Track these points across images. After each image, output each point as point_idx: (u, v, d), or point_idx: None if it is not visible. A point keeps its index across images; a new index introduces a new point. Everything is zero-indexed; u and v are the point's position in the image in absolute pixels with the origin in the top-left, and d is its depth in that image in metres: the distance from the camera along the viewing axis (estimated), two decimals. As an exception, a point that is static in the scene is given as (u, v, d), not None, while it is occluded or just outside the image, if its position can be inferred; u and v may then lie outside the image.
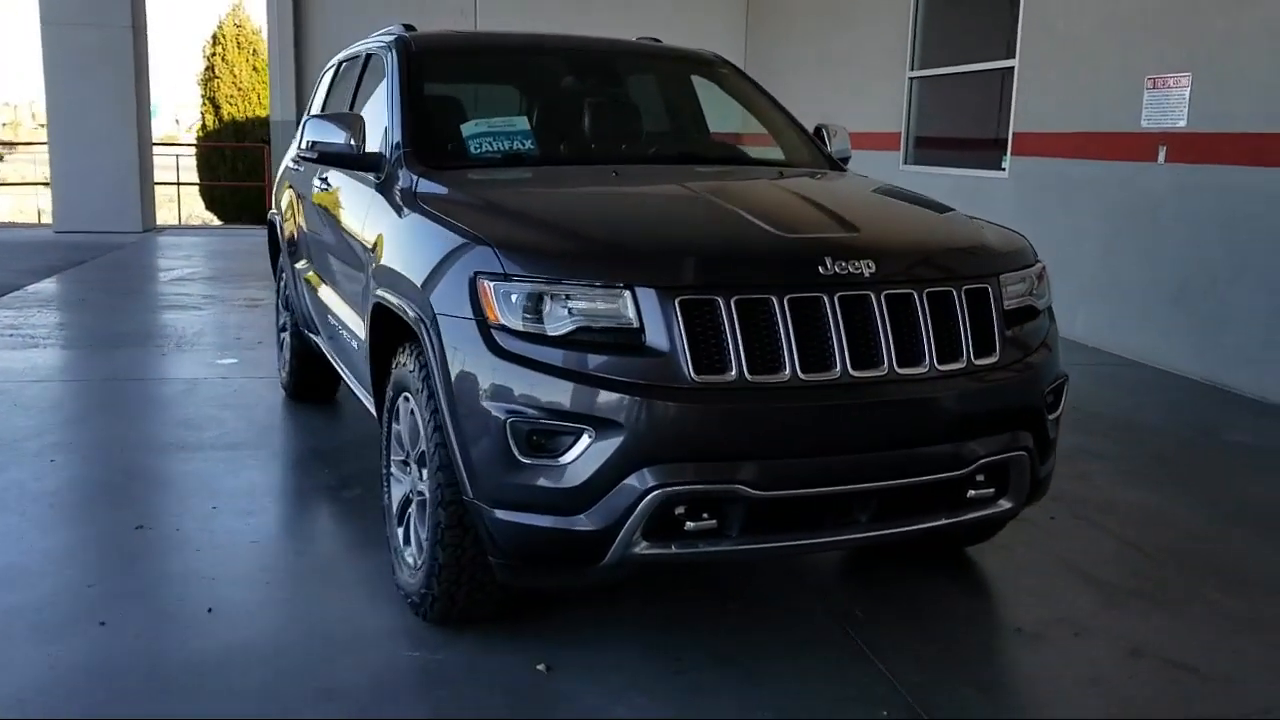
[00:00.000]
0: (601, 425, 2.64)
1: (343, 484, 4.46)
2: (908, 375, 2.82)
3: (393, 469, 3.44)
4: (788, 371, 2.71)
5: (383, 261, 3.42)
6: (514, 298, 2.74)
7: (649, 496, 2.64)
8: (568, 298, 2.72)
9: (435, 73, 4.13)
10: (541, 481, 2.71)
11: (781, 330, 2.72)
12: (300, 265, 5.18)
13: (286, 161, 5.62)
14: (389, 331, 3.42)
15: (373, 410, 3.90)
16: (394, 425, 3.40)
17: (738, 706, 2.80)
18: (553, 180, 3.71)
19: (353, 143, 3.82)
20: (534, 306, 2.73)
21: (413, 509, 3.25)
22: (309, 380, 5.61)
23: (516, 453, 2.71)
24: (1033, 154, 8.64)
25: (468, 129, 3.90)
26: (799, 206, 3.37)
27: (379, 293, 3.38)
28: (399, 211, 3.48)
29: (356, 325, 3.87)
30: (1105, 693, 2.92)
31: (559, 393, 2.67)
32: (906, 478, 2.84)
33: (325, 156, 3.86)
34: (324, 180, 4.50)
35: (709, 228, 3.11)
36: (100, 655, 3.00)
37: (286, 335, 5.79)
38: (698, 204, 3.39)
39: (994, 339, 3.00)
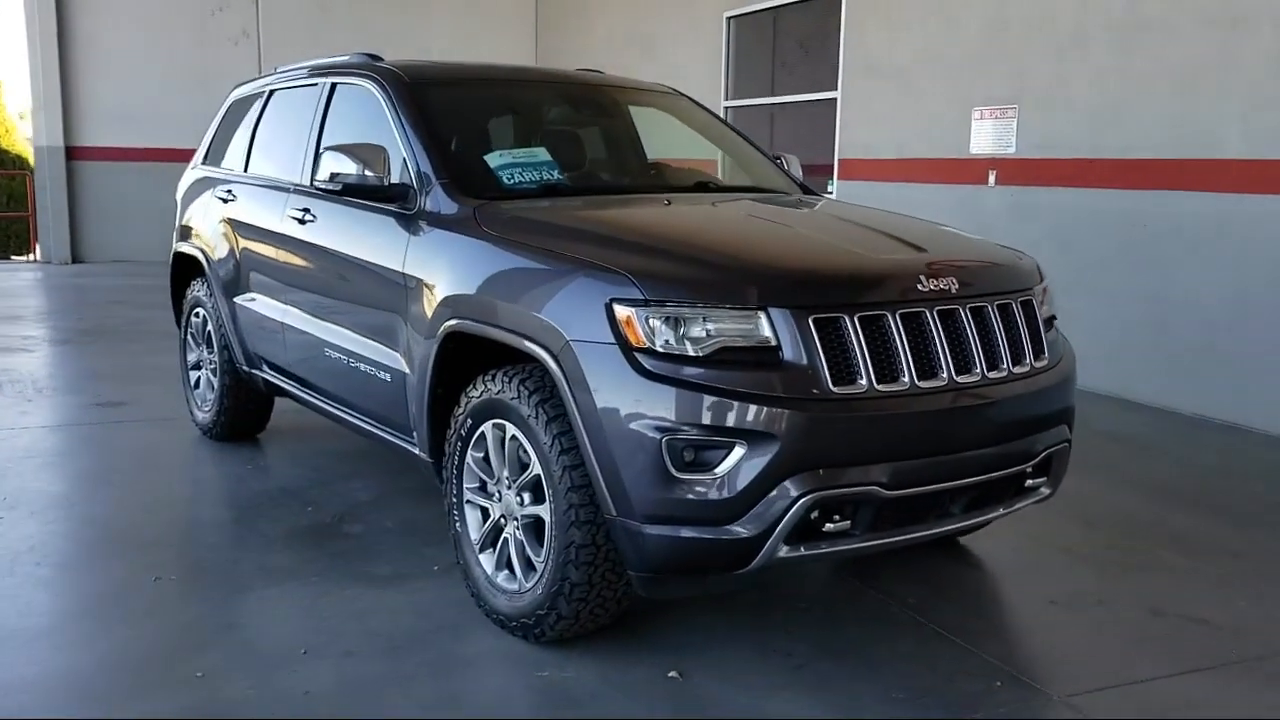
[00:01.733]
0: (754, 438, 2.83)
1: (339, 519, 4.38)
2: (994, 379, 3.17)
3: (468, 497, 3.47)
4: (907, 380, 2.99)
5: (454, 292, 3.44)
6: (656, 322, 2.89)
7: (800, 502, 2.85)
8: (705, 320, 2.90)
9: (438, 104, 4.15)
10: (696, 495, 2.86)
11: (897, 342, 3.00)
12: (244, 299, 5.01)
13: (213, 192, 5.39)
14: (461, 360, 3.48)
15: (405, 442, 3.88)
16: (470, 453, 3.43)
17: (871, 691, 3.04)
18: (619, 208, 3.83)
19: (369, 174, 3.81)
20: (675, 329, 2.89)
21: (513, 533, 3.30)
22: (242, 419, 5.42)
23: (672, 469, 2.84)
24: (860, 178, 9.35)
25: (493, 160, 3.96)
26: (863, 231, 3.67)
27: (453, 323, 3.41)
28: (462, 242, 3.51)
29: (388, 357, 3.85)
30: (1162, 649, 3.36)
31: (712, 409, 2.83)
32: (996, 471, 3.19)
33: (350, 189, 3.83)
34: (305, 211, 4.40)
35: (817, 251, 3.36)
36: (220, 704, 2.90)
37: (206, 374, 5.55)
38: (784, 229, 3.63)
39: (1043, 344, 3.41)
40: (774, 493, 2.85)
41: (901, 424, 2.99)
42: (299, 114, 4.83)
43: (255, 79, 5.66)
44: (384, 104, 4.12)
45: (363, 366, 4.01)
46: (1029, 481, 3.38)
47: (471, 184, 3.80)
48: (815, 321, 2.92)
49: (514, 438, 3.24)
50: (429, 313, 3.56)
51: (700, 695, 3.02)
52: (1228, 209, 6.30)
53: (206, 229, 5.35)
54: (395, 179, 3.86)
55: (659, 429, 2.84)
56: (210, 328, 5.41)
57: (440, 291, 3.52)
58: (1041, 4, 7.43)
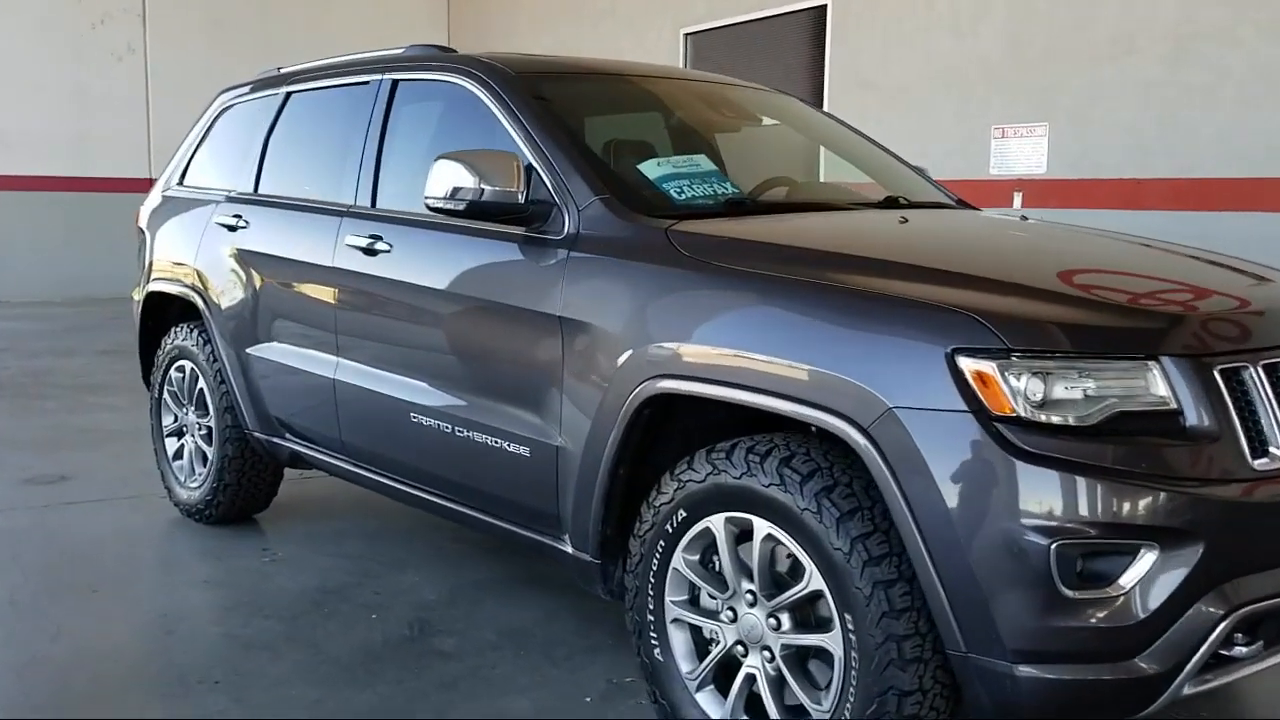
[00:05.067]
0: (1169, 537, 2.06)
1: (419, 630, 3.41)
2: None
3: (674, 614, 2.59)
4: (1323, 448, 2.26)
5: (657, 342, 2.57)
6: (1024, 380, 2.09)
7: (1226, 621, 2.09)
8: (1086, 375, 2.12)
9: (562, 104, 3.28)
10: (1090, 619, 2.06)
11: (1305, 397, 2.28)
12: (262, 350, 3.99)
13: (208, 217, 4.35)
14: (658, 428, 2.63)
15: (542, 535, 2.99)
16: (680, 555, 2.56)
17: None
18: (866, 229, 3.03)
19: (499, 189, 2.91)
20: (1051, 389, 2.10)
21: (763, 667, 2.43)
22: (247, 496, 4.38)
23: (1061, 586, 2.04)
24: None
25: (650, 170, 3.10)
26: (1169, 256, 2.93)
27: (660, 383, 2.54)
28: (659, 275, 2.64)
29: (526, 425, 2.93)
30: None
31: (1118, 500, 2.05)
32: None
33: (477, 207, 2.92)
34: (373, 239, 3.45)
35: (1182, 283, 2.61)
36: None
37: (194, 442, 4.48)
38: (1095, 255, 2.87)
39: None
40: (1194, 609, 2.08)
41: (1327, 508, 2.25)
42: (340, 120, 3.87)
43: (247, 82, 4.66)
44: (491, 104, 3.23)
45: (478, 437, 3.08)
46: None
47: (636, 200, 2.94)
48: (1222, 374, 2.17)
49: (769, 538, 2.39)
50: (611, 369, 2.67)
51: None
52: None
53: (202, 262, 4.29)
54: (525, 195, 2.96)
55: (1044, 530, 2.04)
56: (203, 385, 4.36)
57: (628, 340, 2.64)
58: (1074, 11, 6.94)
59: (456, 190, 2.92)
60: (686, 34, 10.56)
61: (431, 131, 3.58)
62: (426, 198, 2.98)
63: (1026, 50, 7.30)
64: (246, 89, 4.57)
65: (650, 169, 3.10)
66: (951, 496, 2.09)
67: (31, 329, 10.71)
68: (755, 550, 2.42)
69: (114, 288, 13.47)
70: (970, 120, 7.67)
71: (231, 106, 4.62)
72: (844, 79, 8.74)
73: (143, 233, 4.87)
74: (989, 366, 2.09)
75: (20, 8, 12.99)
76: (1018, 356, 2.10)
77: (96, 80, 13.51)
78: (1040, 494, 2.05)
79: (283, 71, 4.46)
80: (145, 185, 13.68)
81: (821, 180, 3.86)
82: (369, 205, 3.60)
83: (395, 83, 3.66)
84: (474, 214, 2.96)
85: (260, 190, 4.20)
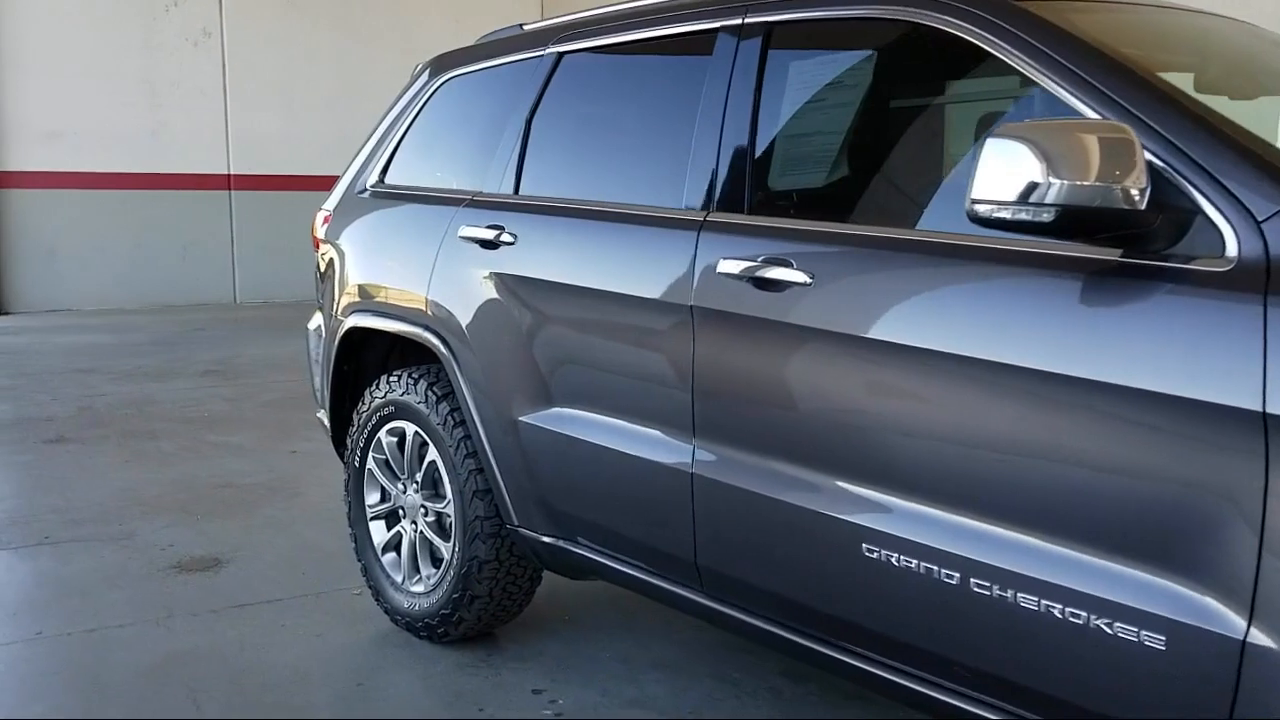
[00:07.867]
0: None
1: None
2: None
3: None
4: None
5: None
6: None
7: None
8: None
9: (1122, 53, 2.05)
10: None
11: None
12: (548, 419, 2.80)
13: (444, 228, 3.15)
14: None
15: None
16: None
17: None
18: None
19: (1077, 182, 1.69)
20: None
21: None
22: (501, 607, 3.20)
23: None
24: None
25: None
26: None
27: None
28: None
29: (1177, 601, 1.69)
30: None
31: None
32: None
33: (1074, 216, 1.69)
34: (771, 264, 2.23)
35: None
36: None
37: (418, 529, 3.31)
38: None
39: None
40: None
41: None
42: (666, 88, 2.67)
43: (475, 44, 3.47)
44: (1010, 54, 2.01)
45: (1029, 601, 1.85)
46: None
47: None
48: None
49: None
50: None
51: None
52: None
53: (440, 290, 3.09)
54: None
55: None
56: (435, 457, 3.18)
57: None
58: None
59: (1034, 188, 1.70)
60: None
61: (855, 99, 2.37)
62: (976, 201, 1.76)
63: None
64: (476, 53, 3.37)
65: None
66: None
67: (112, 343, 9.64)
68: None
69: (192, 294, 12.45)
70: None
71: (455, 77, 3.42)
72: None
73: (325, 245, 3.70)
74: None
75: (87, -10, 11.95)
76: None
77: (170, 68, 12.45)
78: None
79: (529, 28, 3.26)
80: (224, 181, 12.82)
81: None
82: (743, 211, 2.39)
83: (770, 28, 2.44)
84: (1062, 228, 1.73)
85: (523, 191, 3.00)
